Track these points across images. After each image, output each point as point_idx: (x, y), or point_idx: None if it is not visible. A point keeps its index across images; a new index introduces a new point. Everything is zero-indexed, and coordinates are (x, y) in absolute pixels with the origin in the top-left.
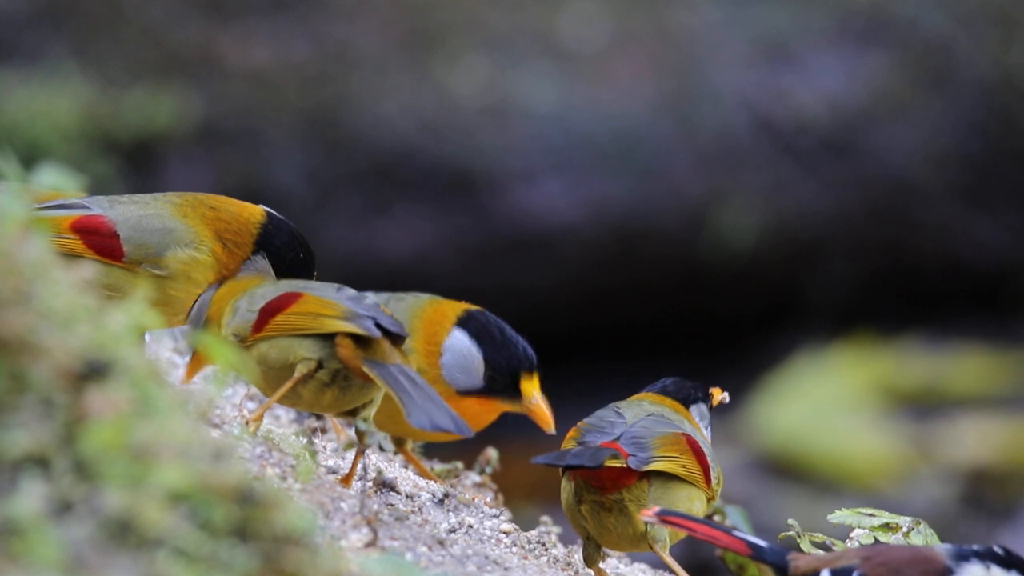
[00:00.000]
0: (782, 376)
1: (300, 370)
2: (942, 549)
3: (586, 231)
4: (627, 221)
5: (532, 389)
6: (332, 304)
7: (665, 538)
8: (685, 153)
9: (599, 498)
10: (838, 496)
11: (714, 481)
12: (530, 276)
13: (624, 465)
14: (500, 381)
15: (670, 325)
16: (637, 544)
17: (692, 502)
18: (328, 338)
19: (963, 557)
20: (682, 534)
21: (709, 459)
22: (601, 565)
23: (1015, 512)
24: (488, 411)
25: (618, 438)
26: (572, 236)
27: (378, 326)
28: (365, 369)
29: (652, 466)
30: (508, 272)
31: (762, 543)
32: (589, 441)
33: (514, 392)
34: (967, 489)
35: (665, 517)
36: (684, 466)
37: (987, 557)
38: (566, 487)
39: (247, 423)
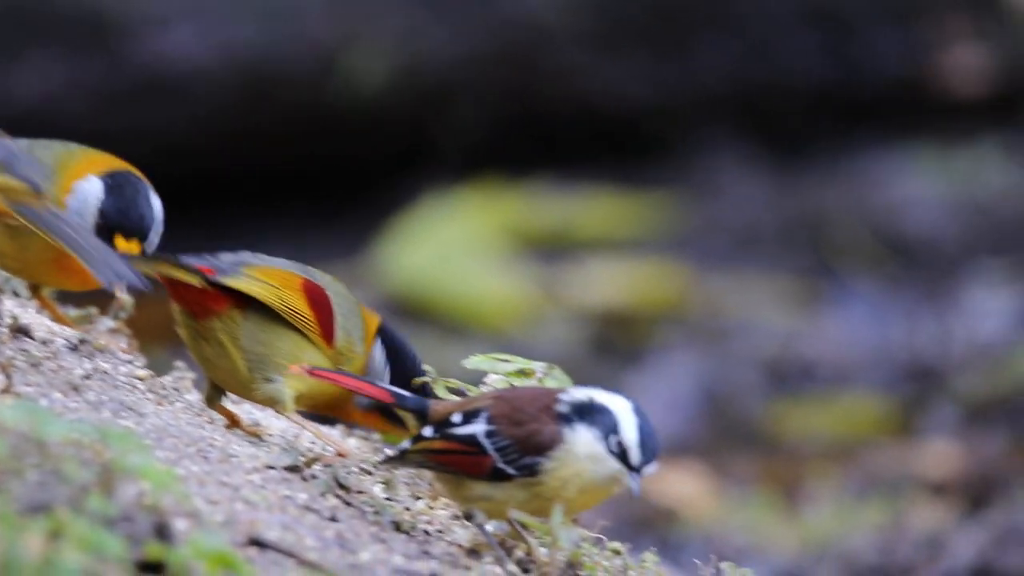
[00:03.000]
0: (410, 219)
1: None
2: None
3: (217, 75)
4: (257, 65)
5: (129, 247)
6: None
7: (286, 398)
8: None
9: (194, 324)
10: (467, 339)
11: (339, 341)
12: (161, 120)
13: (185, 275)
14: (105, 236)
15: (300, 169)
16: (249, 389)
17: (301, 352)
18: None
19: (573, 390)
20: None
21: (339, 317)
22: (236, 410)
23: (642, 354)
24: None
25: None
26: (203, 80)
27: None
28: (16, 215)
29: (231, 282)
30: (139, 117)
31: (405, 392)
32: (187, 262)
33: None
34: (596, 332)
35: (314, 372)
36: (282, 300)
37: (592, 387)
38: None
39: None
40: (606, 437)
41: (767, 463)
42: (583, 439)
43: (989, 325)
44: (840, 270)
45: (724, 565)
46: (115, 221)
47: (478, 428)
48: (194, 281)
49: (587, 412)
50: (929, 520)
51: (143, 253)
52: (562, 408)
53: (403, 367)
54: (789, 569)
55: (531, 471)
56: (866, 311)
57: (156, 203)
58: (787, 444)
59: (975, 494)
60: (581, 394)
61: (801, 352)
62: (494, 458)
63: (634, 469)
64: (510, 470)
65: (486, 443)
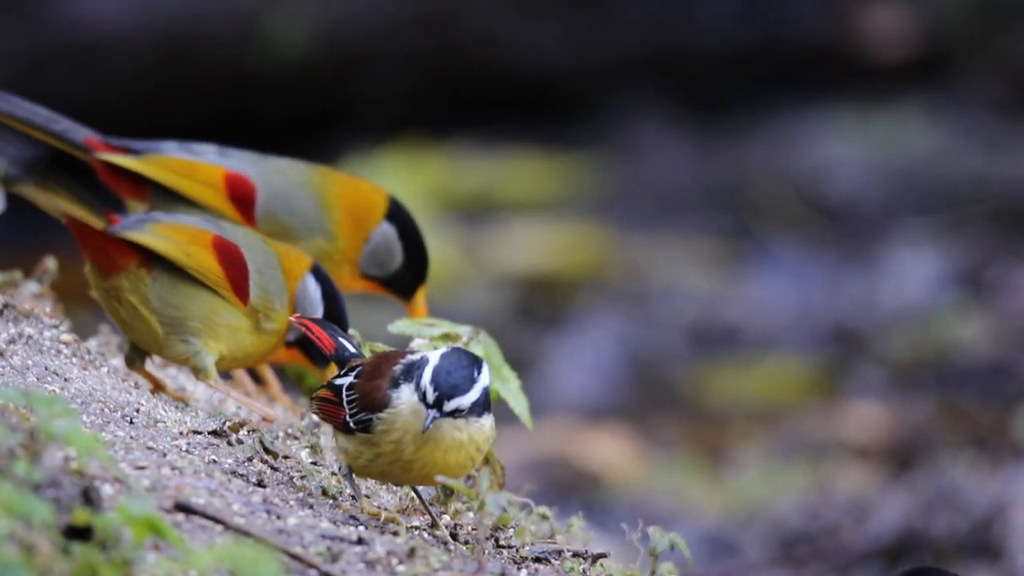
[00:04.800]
0: None
1: None
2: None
3: (138, 39)
4: (178, 29)
5: (422, 297)
6: None
7: (207, 366)
8: None
9: (103, 284)
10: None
11: (255, 299)
12: (81, 84)
13: (87, 215)
14: (405, 282)
15: (222, 132)
16: (167, 352)
17: (215, 314)
18: None
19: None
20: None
21: (254, 274)
22: (160, 375)
23: (566, 318)
24: (370, 291)
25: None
26: (124, 44)
27: None
28: None
29: (134, 235)
30: (59, 81)
31: (349, 346)
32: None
33: (410, 294)
34: (519, 296)
35: (300, 318)
36: (189, 256)
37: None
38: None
39: None
40: (417, 387)
41: (692, 427)
42: (404, 397)
43: (913, 287)
44: (763, 233)
45: (651, 529)
46: (418, 276)
47: (345, 380)
48: (97, 224)
49: (412, 370)
50: (854, 484)
51: (46, 185)
52: (397, 369)
53: (337, 308)
54: (715, 533)
55: (365, 427)
56: (789, 274)
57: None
58: (712, 408)
59: (901, 458)
60: (420, 354)
61: (725, 315)
62: (345, 411)
63: (430, 407)
64: (352, 424)
65: (343, 395)
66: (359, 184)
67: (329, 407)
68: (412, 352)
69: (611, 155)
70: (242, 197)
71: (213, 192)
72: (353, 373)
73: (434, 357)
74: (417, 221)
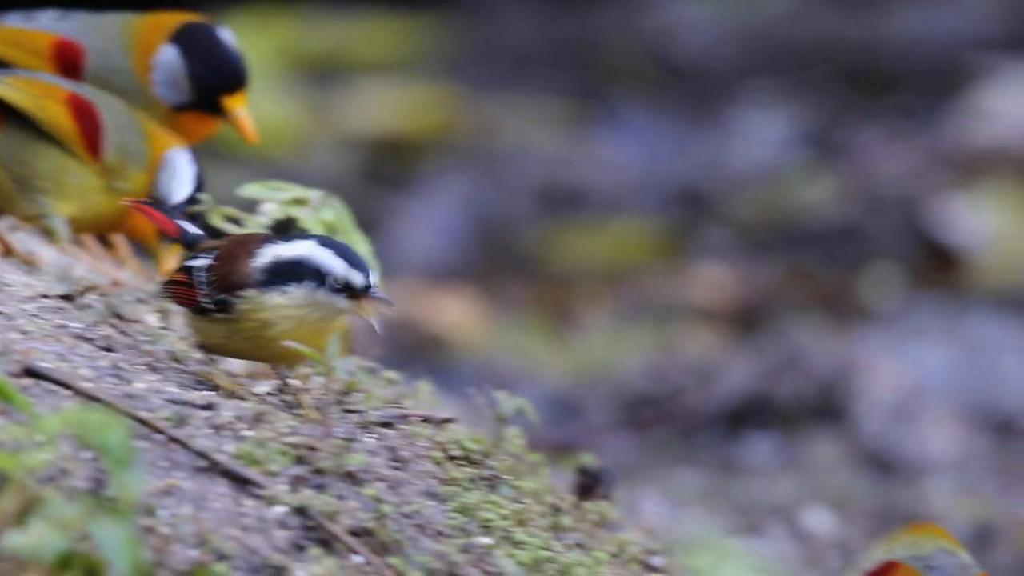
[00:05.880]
0: None
1: None
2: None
3: None
4: None
5: (236, 104)
6: None
7: (58, 227)
8: None
9: None
10: (236, 165)
11: (110, 157)
12: None
13: None
14: (205, 96)
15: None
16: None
17: (64, 173)
18: None
19: (270, 247)
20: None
21: (111, 133)
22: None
23: (413, 180)
24: (204, 125)
25: None
26: None
27: None
28: None
29: None
30: None
31: (189, 228)
32: None
33: (218, 108)
34: (367, 158)
35: (137, 205)
36: (41, 108)
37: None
38: None
39: None
40: (320, 284)
41: (538, 289)
42: (290, 295)
43: (762, 149)
44: (613, 94)
45: (499, 394)
46: (213, 82)
47: (200, 262)
48: None
49: (284, 269)
50: (700, 347)
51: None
52: (259, 262)
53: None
54: (560, 396)
55: (223, 308)
56: (638, 135)
57: (232, 39)
58: (558, 270)
59: (747, 321)
60: (274, 251)
61: (572, 177)
62: (198, 292)
63: (364, 292)
64: (207, 304)
65: (197, 277)
66: (160, 19)
67: (180, 289)
68: (270, 237)
69: (462, 15)
70: (70, 63)
71: (39, 60)
72: (209, 256)
73: (315, 249)
74: (217, 35)
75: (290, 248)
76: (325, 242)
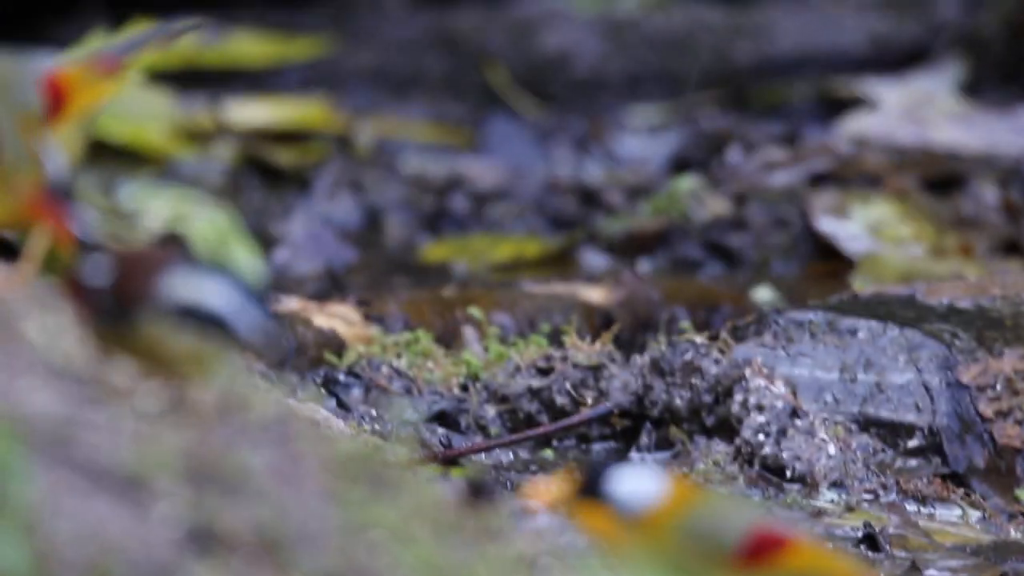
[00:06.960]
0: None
1: None
2: None
3: None
4: None
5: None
6: None
7: None
8: None
9: None
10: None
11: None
12: None
13: None
14: None
15: None
16: None
17: None
18: None
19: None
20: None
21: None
22: None
23: (300, 182)
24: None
25: None
26: None
27: None
28: None
29: None
30: None
31: (85, 228)
32: None
33: None
34: (252, 159)
35: (36, 201)
36: None
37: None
38: None
39: None
40: (220, 327)
41: (428, 295)
42: (187, 331)
43: (646, 160)
44: (498, 110)
45: (389, 401)
46: None
47: (96, 266)
48: None
49: (186, 307)
50: (588, 355)
51: None
52: (161, 287)
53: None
54: (449, 403)
55: (119, 317)
56: (523, 148)
57: None
58: (446, 275)
59: (634, 329)
60: (178, 283)
61: (458, 199)
62: (92, 296)
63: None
64: (101, 311)
65: (90, 280)
66: None
67: (76, 291)
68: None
69: (340, 31)
70: None
71: None
72: (108, 261)
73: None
74: None
75: (194, 285)
76: (227, 282)
